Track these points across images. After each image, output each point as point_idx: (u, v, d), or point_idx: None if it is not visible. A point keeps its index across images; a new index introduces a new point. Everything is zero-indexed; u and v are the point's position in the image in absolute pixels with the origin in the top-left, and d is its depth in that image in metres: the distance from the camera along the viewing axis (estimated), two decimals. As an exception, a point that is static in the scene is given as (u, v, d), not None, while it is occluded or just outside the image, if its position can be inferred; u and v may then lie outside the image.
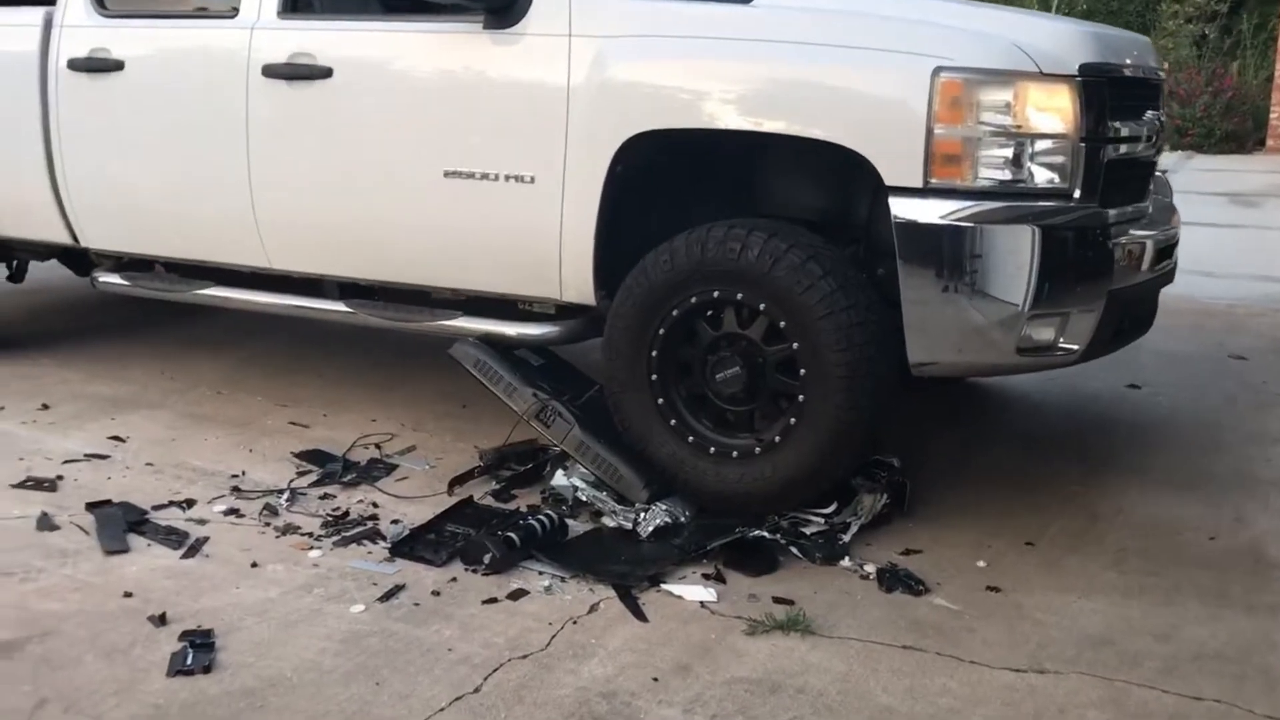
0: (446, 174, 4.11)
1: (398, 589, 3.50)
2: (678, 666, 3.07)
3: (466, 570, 3.62)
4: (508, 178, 4.00)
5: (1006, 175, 3.36)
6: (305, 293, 4.70)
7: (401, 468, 4.42)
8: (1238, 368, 5.86)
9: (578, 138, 3.87)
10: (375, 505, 4.10)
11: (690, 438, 3.81)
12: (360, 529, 3.90)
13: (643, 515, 3.80)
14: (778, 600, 3.43)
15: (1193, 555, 3.74)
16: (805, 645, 3.20)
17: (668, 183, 4.03)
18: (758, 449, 3.73)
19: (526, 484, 4.21)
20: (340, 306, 4.60)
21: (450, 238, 4.22)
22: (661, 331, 3.79)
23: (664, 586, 3.50)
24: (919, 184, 3.41)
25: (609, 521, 3.85)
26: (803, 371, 3.60)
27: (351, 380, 5.34)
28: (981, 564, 3.66)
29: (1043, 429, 4.96)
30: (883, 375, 3.58)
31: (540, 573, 3.60)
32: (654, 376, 3.82)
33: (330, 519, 3.97)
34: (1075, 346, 3.51)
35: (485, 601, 3.43)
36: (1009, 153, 3.35)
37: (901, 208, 3.42)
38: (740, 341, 3.73)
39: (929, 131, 3.36)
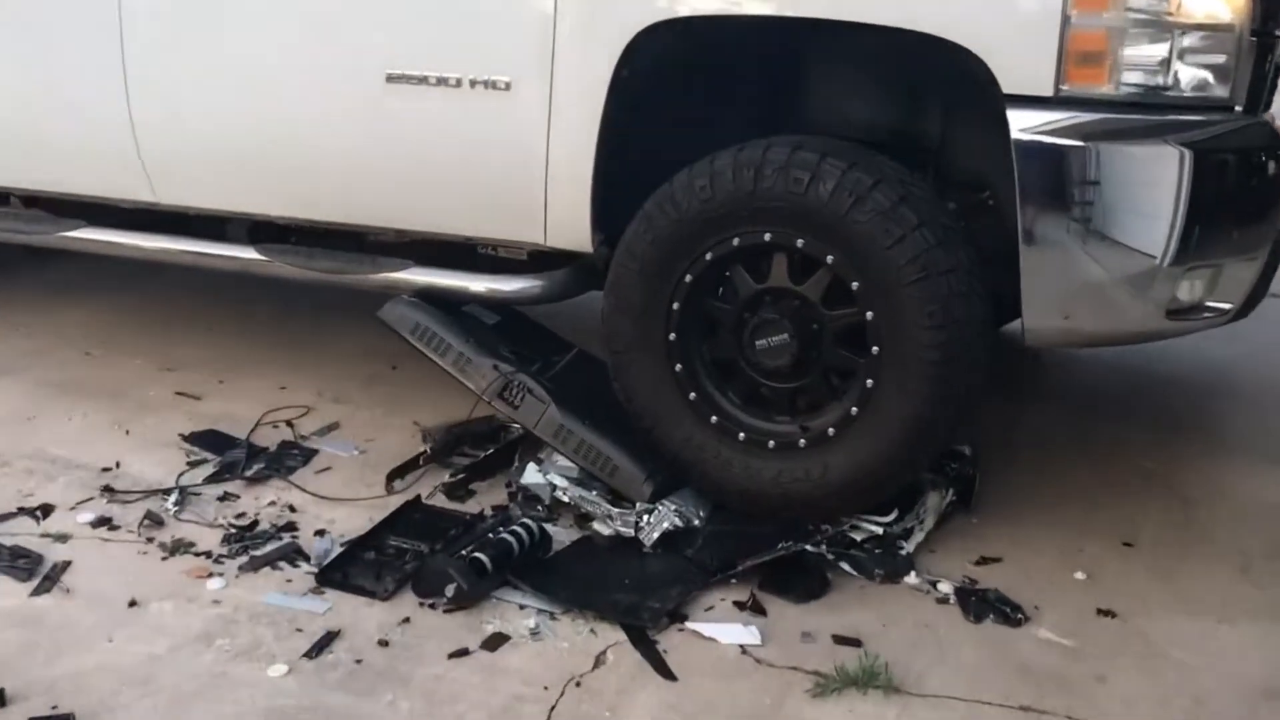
0: (390, 78, 3.12)
1: (331, 637, 2.61)
2: (730, 753, 2.25)
3: (422, 605, 2.73)
4: (474, 83, 3.03)
5: (1157, 80, 2.52)
6: (205, 235, 3.68)
7: (323, 454, 3.48)
8: None
9: (571, 29, 2.91)
10: (292, 509, 3.17)
11: (714, 418, 2.95)
12: (275, 545, 2.98)
13: (646, 518, 2.95)
14: (840, 640, 2.62)
15: (1330, 556, 3.02)
16: (893, 710, 2.40)
17: (678, 95, 3.11)
18: (802, 441, 2.88)
19: (488, 473, 3.31)
20: (251, 254, 3.59)
21: (395, 164, 3.24)
22: (688, 279, 2.89)
23: (689, 624, 2.66)
24: (1048, 91, 2.55)
25: (601, 528, 2.99)
26: (875, 349, 2.75)
27: (252, 336, 4.35)
28: (1080, 576, 2.89)
29: (1088, 389, 4.17)
30: (981, 359, 2.75)
31: (522, 606, 2.73)
32: (672, 336, 2.94)
33: (234, 530, 3.04)
34: (1228, 305, 2.71)
35: (453, 655, 2.56)
36: (1160, 50, 2.50)
37: (1024, 122, 2.57)
38: (792, 300, 2.86)
39: (1064, 20, 2.50)
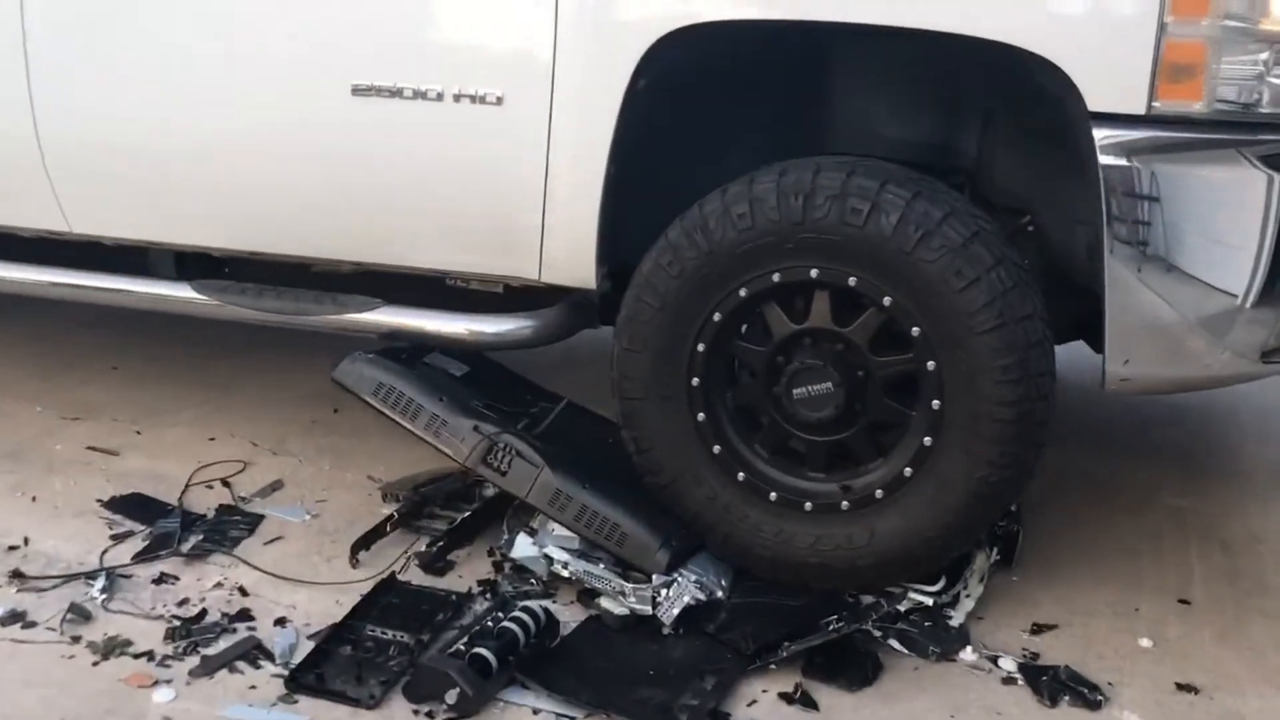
0: (357, 90, 2.69)
1: (314, 761, 2.19)
2: None
3: (417, 713, 2.32)
4: (459, 97, 2.62)
5: (1251, 97, 2.24)
6: (125, 270, 3.17)
7: (270, 519, 3.03)
8: None
9: (575, 34, 2.52)
10: (243, 591, 2.72)
11: (741, 474, 2.60)
12: (229, 640, 2.53)
13: (663, 593, 2.57)
14: (910, 738, 2.29)
15: (1391, 605, 2.80)
16: (989, 828, 2.07)
17: (692, 110, 2.75)
18: (845, 504, 2.55)
19: (466, 540, 2.90)
20: (188, 292, 3.09)
21: (361, 188, 2.80)
22: (717, 318, 2.53)
23: (736, 727, 2.31)
24: (1140, 108, 2.25)
25: (612, 606, 2.60)
26: (936, 403, 2.43)
27: (169, 376, 3.85)
28: (1146, 643, 2.61)
29: (1100, 425, 3.84)
30: (1051, 413, 2.45)
31: (536, 711, 2.34)
32: (695, 381, 2.57)
33: (178, 623, 2.58)
34: None
35: (465, 779, 2.16)
36: (1257, 63, 2.22)
37: (1115, 144, 2.26)
38: (834, 344, 2.52)
39: (1161, 28, 2.21)
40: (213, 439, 3.44)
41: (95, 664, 2.45)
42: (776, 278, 2.47)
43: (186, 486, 3.15)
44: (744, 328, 2.59)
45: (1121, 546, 3.01)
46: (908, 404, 2.50)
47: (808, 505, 2.57)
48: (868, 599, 2.60)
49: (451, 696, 2.29)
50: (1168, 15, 2.21)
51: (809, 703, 2.37)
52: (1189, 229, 2.32)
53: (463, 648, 2.40)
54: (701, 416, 2.59)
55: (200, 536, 2.92)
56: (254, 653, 2.49)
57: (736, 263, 2.47)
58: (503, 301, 2.92)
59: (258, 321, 3.08)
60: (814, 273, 2.45)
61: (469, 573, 2.78)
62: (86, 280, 3.18)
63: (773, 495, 2.59)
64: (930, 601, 2.59)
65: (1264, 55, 2.22)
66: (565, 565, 2.65)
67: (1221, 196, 2.32)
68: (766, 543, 2.59)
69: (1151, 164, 2.28)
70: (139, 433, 3.48)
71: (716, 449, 2.60)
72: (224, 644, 2.51)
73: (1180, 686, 2.46)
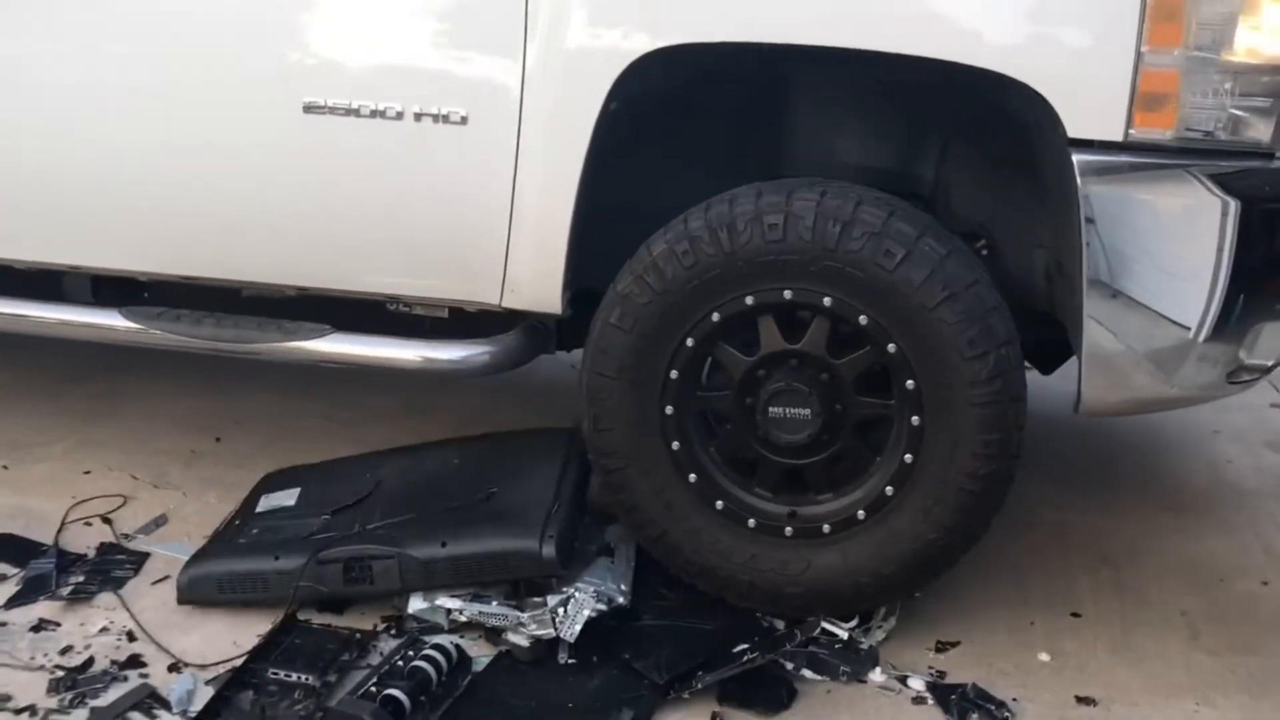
0: (309, 108, 2.58)
1: (223, 818, 2.09)
2: None
3: (328, 760, 2.24)
4: (420, 116, 2.53)
5: (1213, 125, 2.32)
6: (34, 295, 2.99)
7: (155, 558, 2.90)
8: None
9: (546, 53, 2.47)
10: (131, 636, 2.59)
11: (719, 502, 2.59)
12: (121, 689, 2.41)
13: (561, 612, 2.53)
14: (827, 763, 2.31)
15: (1266, 611, 2.93)
16: None
17: (655, 132, 2.72)
18: (827, 527, 2.56)
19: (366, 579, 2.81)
20: (118, 320, 2.90)
21: (311, 211, 2.69)
22: (689, 343, 2.50)
23: (657, 760, 2.29)
24: (1118, 135, 2.30)
25: (516, 639, 2.55)
26: (909, 458, 2.48)
27: (34, 404, 3.64)
28: (1045, 657, 2.69)
29: None
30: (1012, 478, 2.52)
31: (452, 752, 2.28)
32: (669, 410, 2.54)
33: (62, 674, 2.45)
34: (1269, 363, 2.55)
35: (385, 828, 2.09)
36: (1221, 93, 2.30)
37: (1094, 171, 2.31)
38: (821, 373, 2.52)
39: (1138, 56, 2.26)
40: (88, 472, 3.27)
41: (-26, 722, 2.31)
42: (750, 299, 2.46)
43: (63, 524, 2.99)
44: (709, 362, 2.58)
45: (1010, 562, 3.08)
46: (876, 448, 2.53)
47: (786, 530, 2.56)
48: (780, 626, 2.62)
49: (366, 742, 2.22)
50: (1144, 45, 2.26)
51: (726, 731, 2.37)
52: (1160, 254, 2.39)
53: (373, 689, 2.32)
54: (676, 446, 2.56)
55: (81, 578, 2.78)
56: (148, 702, 2.38)
57: (708, 285, 2.45)
58: (447, 328, 2.83)
59: (193, 350, 2.92)
60: (787, 293, 2.44)
61: (375, 614, 2.70)
62: (6, 308, 2.97)
63: (751, 522, 2.58)
64: (845, 636, 2.61)
65: (1227, 85, 2.30)
66: (461, 612, 2.59)
67: (1182, 222, 2.38)
68: (734, 571, 2.58)
69: (1127, 190, 2.33)
70: (5, 467, 3.29)
71: (693, 478, 2.58)
72: (115, 694, 2.40)
73: (1080, 699, 2.54)
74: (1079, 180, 2.33)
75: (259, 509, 2.88)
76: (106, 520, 3.03)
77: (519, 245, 2.59)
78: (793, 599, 2.56)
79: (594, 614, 2.53)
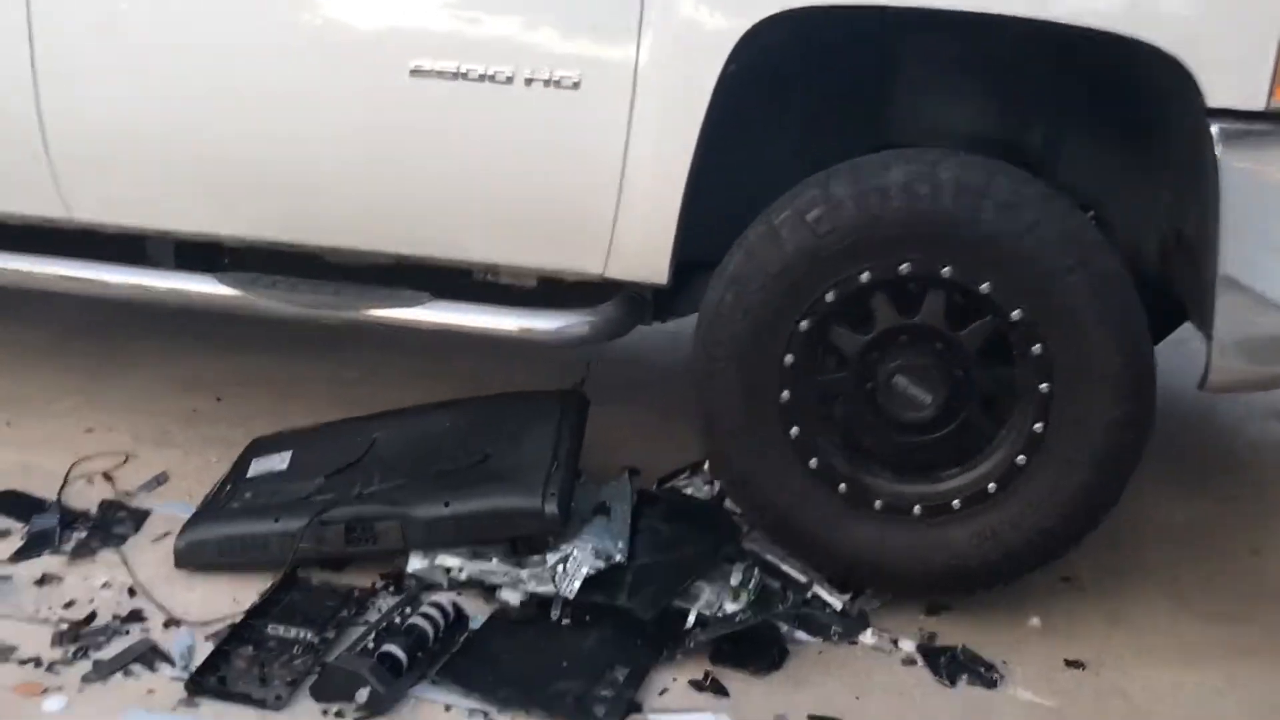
0: (416, 72, 2.52)
1: (222, 768, 2.13)
2: None
3: (325, 713, 2.28)
4: (531, 80, 2.47)
5: None
6: (125, 260, 2.94)
7: (156, 515, 2.92)
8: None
9: (663, 17, 2.40)
10: (133, 592, 2.63)
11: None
12: (123, 643, 2.45)
13: (560, 569, 2.56)
14: (818, 722, 2.34)
15: (1255, 579, 2.95)
16: (900, 808, 2.14)
17: (757, 99, 2.65)
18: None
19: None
20: (214, 286, 2.86)
21: (414, 177, 2.63)
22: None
23: (650, 717, 2.32)
24: (1260, 105, 2.25)
25: (510, 596, 2.58)
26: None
27: (38, 363, 3.66)
28: (1035, 621, 2.71)
29: None
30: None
31: (448, 706, 2.31)
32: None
33: (66, 627, 2.48)
34: None
35: (381, 780, 2.13)
36: None
37: (1235, 141, 2.26)
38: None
39: None
40: (90, 430, 3.30)
41: (-22, 673, 2.35)
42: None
43: (65, 481, 3.01)
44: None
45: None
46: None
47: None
48: (773, 583, 2.64)
49: (362, 695, 2.26)
50: None
51: (719, 689, 2.40)
52: None
53: (371, 645, 2.36)
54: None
55: (84, 534, 2.80)
56: (150, 655, 2.42)
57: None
58: (534, 297, 2.80)
59: (287, 316, 2.86)
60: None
61: (371, 569, 2.73)
62: (97, 274, 2.93)
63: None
64: (839, 606, 2.63)
65: None
66: (461, 570, 2.62)
67: None
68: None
69: (1266, 160, 2.29)
70: (8, 424, 3.31)
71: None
72: (117, 647, 2.43)
73: (1069, 663, 2.56)
74: (1218, 150, 2.26)
75: (250, 474, 2.90)
76: (108, 478, 3.05)
77: (627, 214, 2.53)
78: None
79: (592, 571, 2.55)
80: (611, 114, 2.47)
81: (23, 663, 2.37)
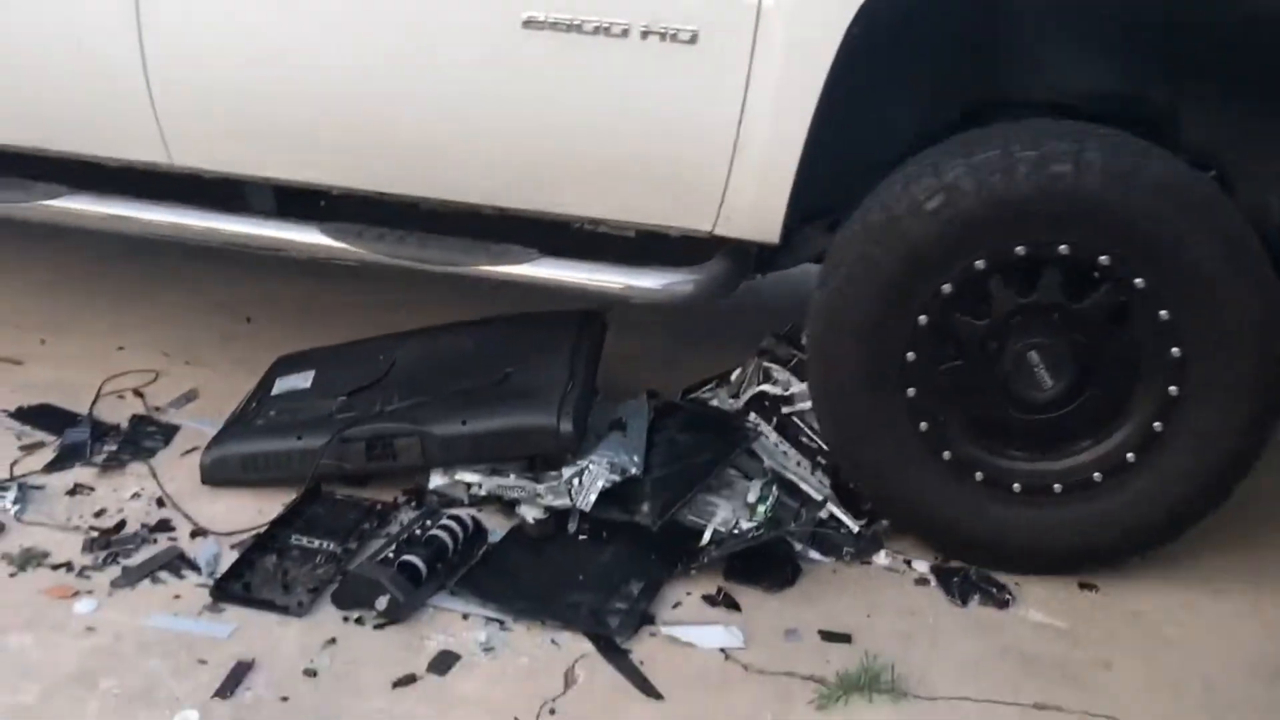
0: (529, 23, 2.45)
1: (244, 669, 2.20)
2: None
3: (347, 620, 2.34)
4: (647, 33, 2.39)
5: None
6: (223, 206, 2.92)
7: (185, 430, 2.98)
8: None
9: None
10: (161, 502, 2.69)
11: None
12: (151, 551, 2.51)
13: (576, 483, 2.58)
14: (828, 636, 2.37)
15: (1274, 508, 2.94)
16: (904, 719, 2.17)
17: (876, 50, 2.50)
18: (1097, 475, 2.48)
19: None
20: (318, 237, 2.82)
21: (523, 130, 2.57)
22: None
23: (662, 629, 2.36)
24: None
25: (528, 512, 2.62)
26: (1176, 351, 2.37)
27: (75, 285, 3.72)
28: (1051, 545, 2.72)
29: None
30: None
31: (466, 615, 2.36)
32: (911, 390, 2.46)
33: (96, 534, 2.55)
34: None
35: (397, 683, 2.19)
36: None
37: None
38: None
39: None
40: (122, 348, 3.35)
41: (12, 575, 2.42)
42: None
43: (97, 396, 3.08)
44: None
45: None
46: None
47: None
48: (791, 501, 2.66)
49: (382, 603, 2.31)
50: None
51: (732, 604, 2.44)
52: None
53: (391, 555, 2.41)
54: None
55: (114, 447, 2.87)
56: (177, 563, 2.48)
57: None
58: (633, 248, 2.74)
59: (391, 266, 2.82)
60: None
61: (393, 485, 2.78)
62: (200, 220, 2.91)
63: (1016, 486, 2.52)
64: (855, 528, 2.64)
65: None
66: (480, 485, 2.66)
67: None
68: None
69: None
70: (44, 342, 3.38)
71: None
72: (145, 555, 2.50)
73: (1083, 585, 2.57)
74: None
75: (274, 392, 2.94)
76: (139, 394, 3.11)
77: (741, 172, 2.46)
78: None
79: (608, 484, 2.57)
80: (729, 71, 2.40)
81: (55, 567, 2.44)
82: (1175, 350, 2.38)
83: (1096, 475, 2.48)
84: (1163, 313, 2.36)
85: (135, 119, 2.77)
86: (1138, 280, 2.34)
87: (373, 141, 2.71)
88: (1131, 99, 2.65)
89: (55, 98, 2.85)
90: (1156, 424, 2.43)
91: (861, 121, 2.54)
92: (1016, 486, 2.51)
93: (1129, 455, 2.46)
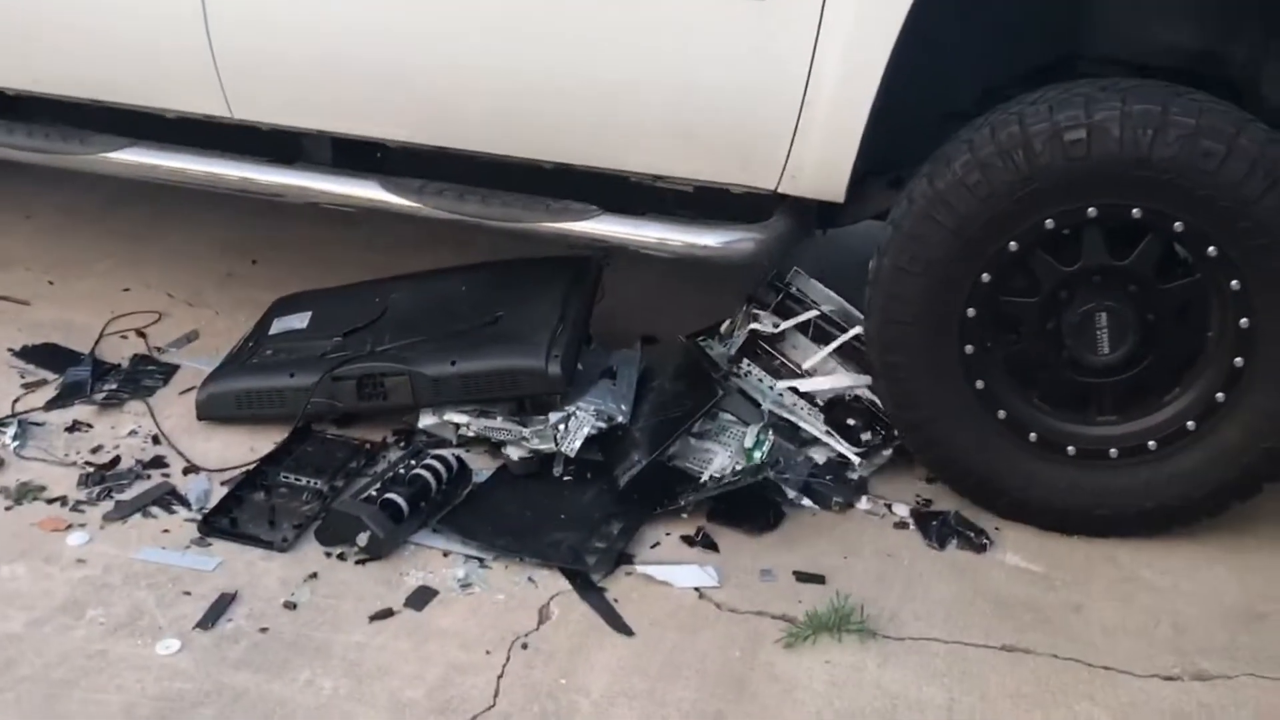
0: None
1: (227, 601, 2.25)
2: (708, 721, 2.02)
3: (329, 555, 2.39)
4: None
5: None
6: (277, 160, 2.92)
7: (184, 370, 3.03)
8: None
9: None
10: (156, 440, 2.74)
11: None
12: (143, 486, 2.57)
13: (562, 428, 2.62)
14: (802, 577, 2.40)
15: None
16: (873, 659, 2.20)
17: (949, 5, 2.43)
18: (1153, 443, 2.46)
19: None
20: (379, 192, 2.79)
21: (583, 83, 2.54)
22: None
23: (638, 567, 2.39)
24: None
25: (515, 452, 2.66)
26: (1244, 322, 2.34)
27: (82, 226, 3.78)
28: (1034, 491, 2.73)
29: None
30: None
31: (446, 553, 2.41)
32: (969, 349, 2.45)
33: (91, 469, 2.61)
34: None
35: (375, 617, 2.24)
36: None
37: None
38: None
39: None
40: (127, 289, 3.41)
41: (8, 508, 2.49)
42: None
43: (100, 336, 3.14)
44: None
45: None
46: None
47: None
48: (789, 445, 2.67)
49: (363, 539, 2.36)
50: None
51: (710, 545, 2.47)
52: None
53: (375, 493, 2.45)
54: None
55: (114, 385, 2.92)
56: (168, 498, 2.54)
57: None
58: (692, 203, 2.69)
59: (450, 221, 2.78)
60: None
61: (383, 424, 2.82)
62: (264, 175, 2.89)
63: (1070, 449, 2.50)
64: (855, 459, 2.66)
65: None
66: (468, 426, 2.70)
67: None
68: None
69: None
70: (51, 283, 3.44)
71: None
72: (137, 490, 2.56)
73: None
74: None
75: (271, 331, 2.98)
76: (141, 334, 3.17)
77: (809, 129, 2.42)
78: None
79: (594, 431, 2.61)
80: (798, 26, 2.34)
81: (50, 501, 2.51)
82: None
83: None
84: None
85: (196, 71, 2.77)
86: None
87: (437, 96, 2.68)
88: (1209, 56, 2.58)
89: (117, 50, 2.85)
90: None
91: (930, 76, 2.49)
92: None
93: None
